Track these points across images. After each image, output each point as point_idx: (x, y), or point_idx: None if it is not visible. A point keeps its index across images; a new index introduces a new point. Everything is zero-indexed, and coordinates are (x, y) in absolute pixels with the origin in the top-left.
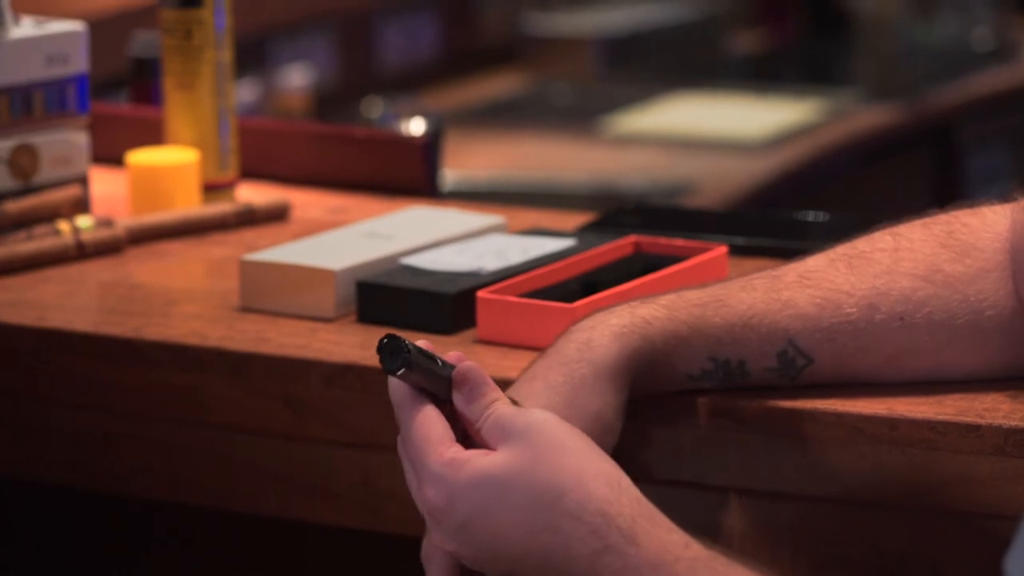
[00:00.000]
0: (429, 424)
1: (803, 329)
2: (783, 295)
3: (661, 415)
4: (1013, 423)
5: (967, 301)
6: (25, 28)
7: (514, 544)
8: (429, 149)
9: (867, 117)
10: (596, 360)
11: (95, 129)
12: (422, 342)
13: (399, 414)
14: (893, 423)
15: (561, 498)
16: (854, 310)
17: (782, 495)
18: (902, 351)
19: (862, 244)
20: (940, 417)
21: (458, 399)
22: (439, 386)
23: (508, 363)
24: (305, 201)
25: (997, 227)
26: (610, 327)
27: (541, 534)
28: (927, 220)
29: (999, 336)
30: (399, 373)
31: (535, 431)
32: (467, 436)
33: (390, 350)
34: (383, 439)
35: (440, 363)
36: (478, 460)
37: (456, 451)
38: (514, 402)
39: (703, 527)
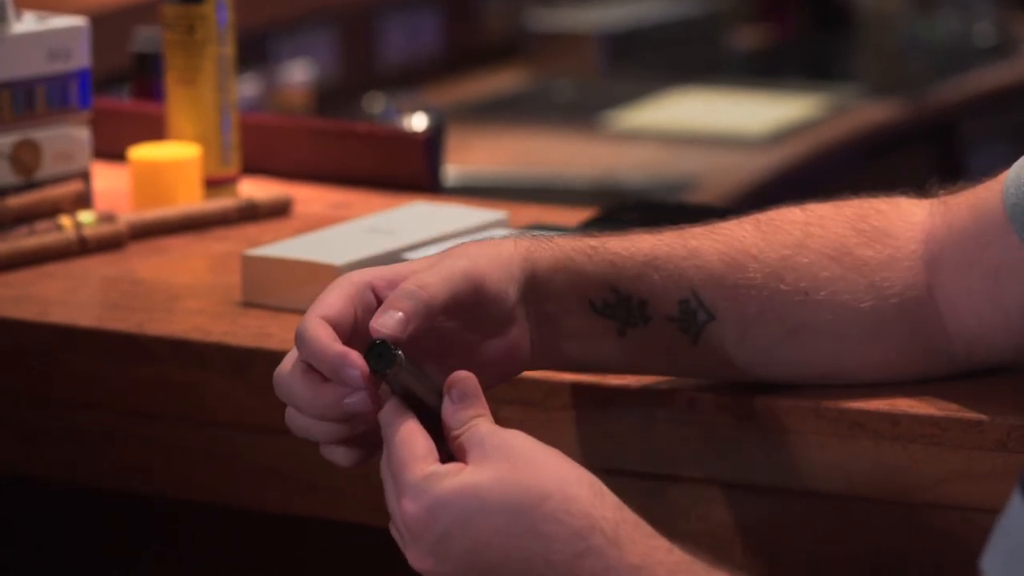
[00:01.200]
0: (412, 440)
1: (708, 281)
2: (690, 243)
3: (661, 411)
4: (1015, 419)
5: (873, 287)
6: (27, 23)
7: (494, 552)
8: (431, 144)
9: (868, 113)
10: (490, 240)
11: (97, 124)
12: None
13: (384, 432)
14: (895, 419)
15: (544, 501)
16: (758, 276)
17: (782, 490)
18: (803, 326)
19: (772, 213)
20: (942, 413)
21: (447, 404)
22: (427, 392)
23: None
24: (307, 196)
25: (913, 217)
26: (511, 235)
27: (521, 538)
28: (838, 202)
29: (900, 325)
30: (389, 373)
31: (513, 446)
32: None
33: (378, 352)
34: None
35: (427, 376)
36: (458, 473)
37: (437, 466)
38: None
39: (703, 522)
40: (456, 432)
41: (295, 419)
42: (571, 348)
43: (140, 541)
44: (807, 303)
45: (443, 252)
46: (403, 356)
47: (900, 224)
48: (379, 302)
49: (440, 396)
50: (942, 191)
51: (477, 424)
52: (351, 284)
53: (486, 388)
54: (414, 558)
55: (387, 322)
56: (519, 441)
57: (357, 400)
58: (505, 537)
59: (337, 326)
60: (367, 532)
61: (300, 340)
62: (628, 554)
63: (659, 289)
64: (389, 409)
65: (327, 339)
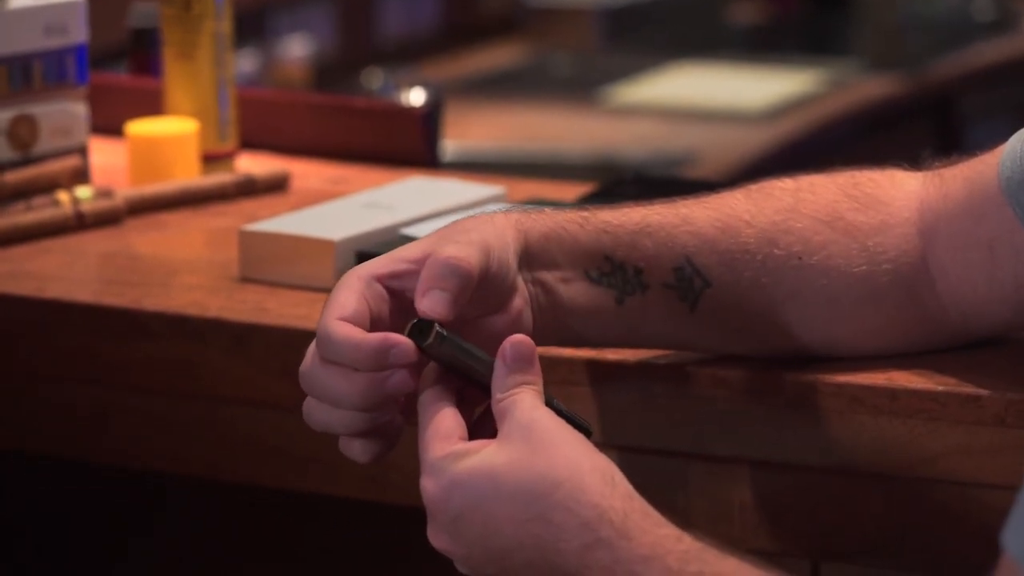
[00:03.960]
0: (440, 420)
1: (701, 247)
2: (681, 211)
3: (659, 386)
4: (1013, 393)
5: (866, 252)
6: None
7: (506, 537)
8: (429, 119)
9: (868, 88)
10: (481, 215)
11: (95, 100)
12: None
13: (419, 412)
14: (893, 393)
15: (556, 489)
16: (752, 241)
17: (783, 465)
18: (799, 291)
19: (762, 183)
20: (940, 388)
21: (498, 367)
22: (473, 361)
23: None
24: (305, 171)
25: (906, 187)
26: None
27: (533, 525)
28: (830, 172)
29: (895, 291)
30: (431, 344)
31: (535, 428)
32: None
33: (419, 328)
34: None
35: (473, 345)
36: (476, 452)
37: (458, 445)
38: (552, 401)
39: (705, 497)
40: (500, 396)
41: (316, 413)
42: (573, 320)
43: (138, 516)
44: (801, 268)
45: (441, 230)
46: (444, 328)
47: (893, 192)
48: (388, 292)
49: (488, 364)
50: (936, 163)
51: (517, 394)
52: (357, 279)
53: None
54: (432, 534)
55: (434, 303)
56: (543, 423)
57: (399, 379)
58: (517, 524)
59: (357, 323)
60: (365, 508)
61: (328, 343)
62: (638, 545)
63: (653, 256)
64: (427, 387)
65: (358, 333)
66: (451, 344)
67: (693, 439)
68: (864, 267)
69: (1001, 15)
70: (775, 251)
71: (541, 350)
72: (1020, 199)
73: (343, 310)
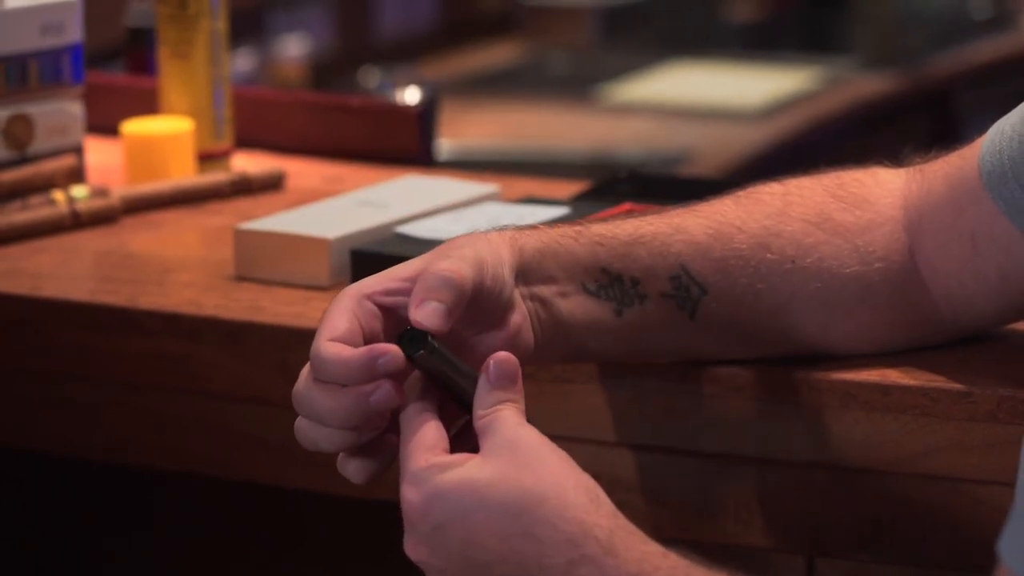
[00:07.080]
0: (424, 431)
1: (695, 255)
2: (674, 220)
3: (657, 383)
4: (1005, 389)
5: (856, 251)
6: None
7: (488, 551)
8: (424, 118)
9: (865, 85)
10: (474, 233)
11: (90, 99)
12: None
13: (401, 422)
14: (886, 389)
15: (541, 504)
16: (745, 246)
17: (776, 462)
18: (794, 294)
19: (750, 189)
20: (933, 384)
21: (481, 383)
22: (459, 375)
23: None
24: (300, 170)
25: (890, 185)
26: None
27: (517, 540)
28: (816, 175)
29: (887, 289)
30: (421, 354)
31: (520, 445)
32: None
33: (409, 337)
34: None
35: (459, 360)
36: (460, 465)
37: (441, 457)
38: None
39: (697, 494)
40: (481, 413)
41: (306, 431)
42: (574, 335)
43: (133, 512)
44: (795, 271)
45: (437, 249)
46: (433, 340)
47: (878, 191)
48: (381, 309)
49: (472, 379)
50: (918, 160)
51: (501, 411)
52: (348, 299)
53: None
54: (410, 547)
55: (428, 313)
56: (528, 439)
57: (383, 393)
58: (500, 538)
59: (348, 342)
60: (359, 504)
61: (319, 363)
62: (624, 562)
63: (648, 265)
64: (411, 397)
65: (346, 350)
66: (440, 356)
67: (687, 436)
68: (856, 267)
69: (998, 12)
70: (768, 256)
71: None
72: (1002, 191)
73: (334, 331)
